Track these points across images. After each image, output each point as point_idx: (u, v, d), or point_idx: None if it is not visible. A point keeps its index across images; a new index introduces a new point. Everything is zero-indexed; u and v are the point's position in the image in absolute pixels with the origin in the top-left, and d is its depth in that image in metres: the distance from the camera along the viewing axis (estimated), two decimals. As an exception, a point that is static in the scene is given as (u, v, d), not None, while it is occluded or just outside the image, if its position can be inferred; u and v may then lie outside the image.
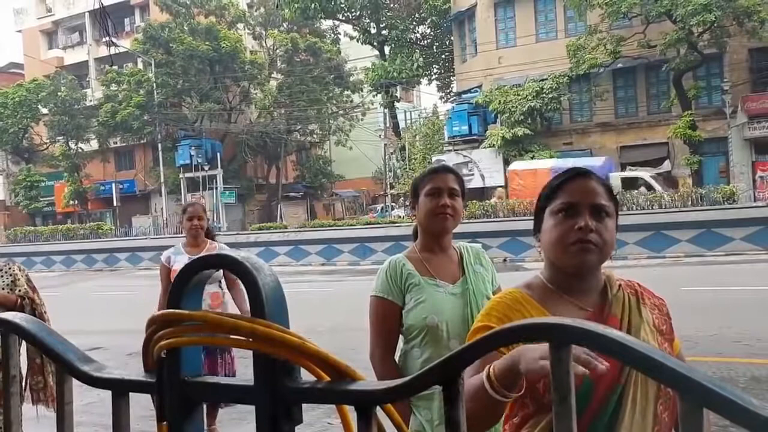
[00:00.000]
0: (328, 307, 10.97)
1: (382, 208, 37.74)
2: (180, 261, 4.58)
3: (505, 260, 16.48)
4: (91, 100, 37.64)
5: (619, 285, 1.59)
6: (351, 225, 23.82)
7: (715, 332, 7.20)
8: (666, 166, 25.78)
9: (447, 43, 35.84)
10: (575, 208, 1.52)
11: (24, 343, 1.23)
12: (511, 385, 1.23)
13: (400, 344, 2.40)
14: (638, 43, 23.45)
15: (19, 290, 3.85)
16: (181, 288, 0.89)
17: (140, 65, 37.21)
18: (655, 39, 23.14)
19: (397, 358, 2.38)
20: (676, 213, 17.12)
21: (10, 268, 3.95)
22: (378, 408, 0.86)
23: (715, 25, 22.24)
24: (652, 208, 18.23)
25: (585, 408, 1.37)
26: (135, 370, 1.02)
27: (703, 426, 0.63)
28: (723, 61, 24.96)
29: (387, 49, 36.33)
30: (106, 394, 1.01)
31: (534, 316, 1.50)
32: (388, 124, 39.37)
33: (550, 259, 1.58)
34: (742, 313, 8.23)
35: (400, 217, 27.26)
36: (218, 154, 35.19)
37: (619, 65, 25.28)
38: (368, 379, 0.88)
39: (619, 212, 1.62)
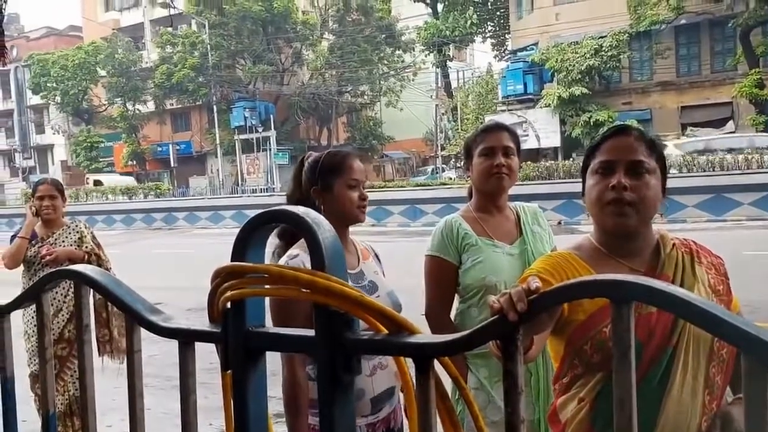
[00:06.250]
0: (380, 268, 11.04)
1: (432, 170, 37.53)
2: None
3: (559, 223, 16.26)
4: (147, 62, 38.32)
5: (673, 244, 1.55)
6: (401, 186, 23.79)
7: (776, 298, 6.99)
8: (729, 126, 24.80)
9: (502, -1, 34.95)
10: (612, 167, 1.49)
11: (90, 297, 1.29)
12: None
13: (456, 304, 2.40)
14: (703, -2, 22.48)
15: (86, 246, 4.01)
16: (246, 241, 0.92)
17: (194, 27, 37.59)
18: (722, -7, 22.13)
19: (453, 317, 2.36)
20: (738, 175, 16.51)
21: (77, 226, 4.12)
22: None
23: (788, -24, 21.11)
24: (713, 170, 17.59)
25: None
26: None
27: None
28: (795, 16, 23.68)
29: (440, 7, 35.56)
30: (169, 347, 1.05)
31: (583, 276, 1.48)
32: (439, 84, 38.78)
33: (593, 219, 1.56)
34: (806, 279, 7.94)
35: (451, 179, 27.10)
36: (271, 115, 35.47)
37: (683, 21, 24.26)
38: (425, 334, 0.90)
39: (667, 168, 1.58)
